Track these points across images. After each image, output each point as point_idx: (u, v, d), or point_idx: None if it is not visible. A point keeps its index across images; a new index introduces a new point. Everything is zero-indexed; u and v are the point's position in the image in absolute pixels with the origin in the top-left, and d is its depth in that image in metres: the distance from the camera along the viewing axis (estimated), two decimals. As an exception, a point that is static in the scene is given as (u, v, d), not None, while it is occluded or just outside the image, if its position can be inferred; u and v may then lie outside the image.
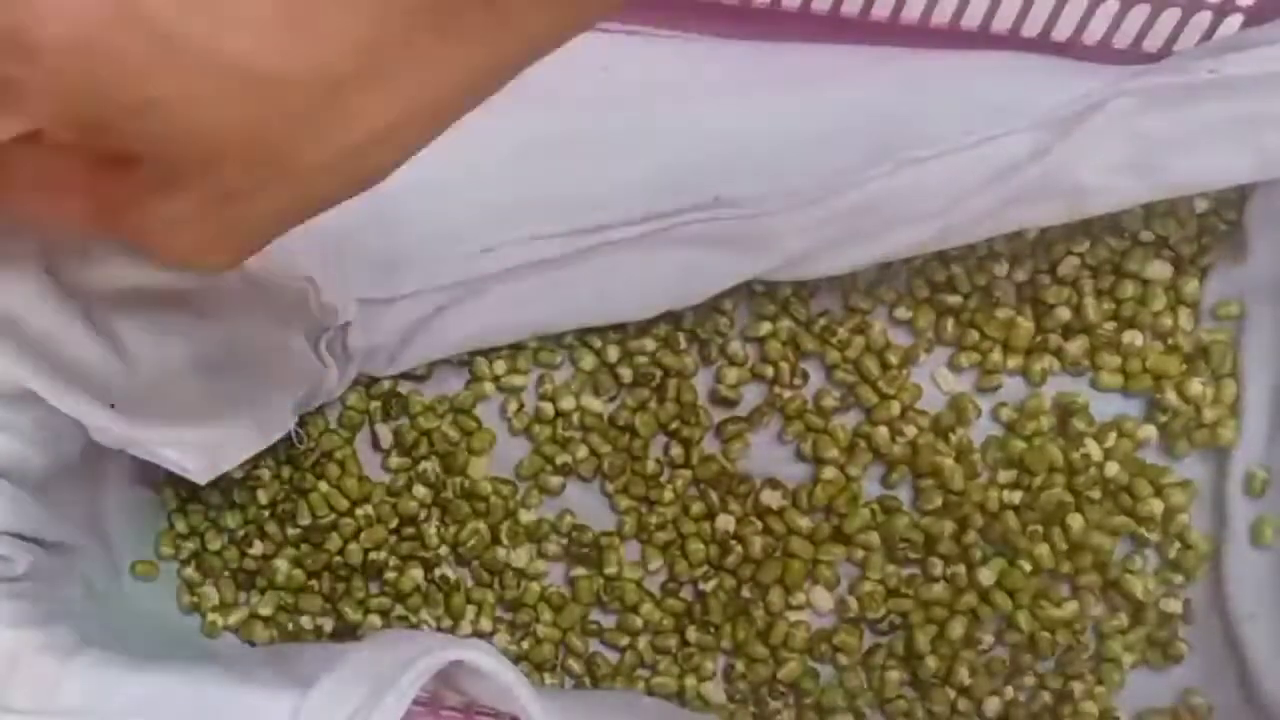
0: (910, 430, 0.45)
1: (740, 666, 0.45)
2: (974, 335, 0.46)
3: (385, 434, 0.46)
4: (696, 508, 0.45)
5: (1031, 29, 0.45)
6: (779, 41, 0.45)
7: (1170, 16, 0.44)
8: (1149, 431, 0.45)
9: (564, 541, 0.46)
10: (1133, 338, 0.45)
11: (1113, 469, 0.44)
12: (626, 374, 0.46)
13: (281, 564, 0.46)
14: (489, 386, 0.46)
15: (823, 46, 0.45)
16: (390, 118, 0.25)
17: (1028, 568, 0.44)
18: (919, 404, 0.46)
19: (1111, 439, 0.45)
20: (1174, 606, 0.44)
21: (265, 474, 0.46)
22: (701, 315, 0.46)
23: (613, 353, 0.46)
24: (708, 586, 0.45)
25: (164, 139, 0.24)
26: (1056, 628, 0.44)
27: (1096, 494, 0.44)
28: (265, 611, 0.46)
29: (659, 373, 0.46)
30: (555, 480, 0.46)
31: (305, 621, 0.46)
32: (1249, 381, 0.45)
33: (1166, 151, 0.40)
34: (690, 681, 0.45)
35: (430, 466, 0.46)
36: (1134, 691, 0.44)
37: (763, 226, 0.42)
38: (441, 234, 0.44)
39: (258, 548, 0.46)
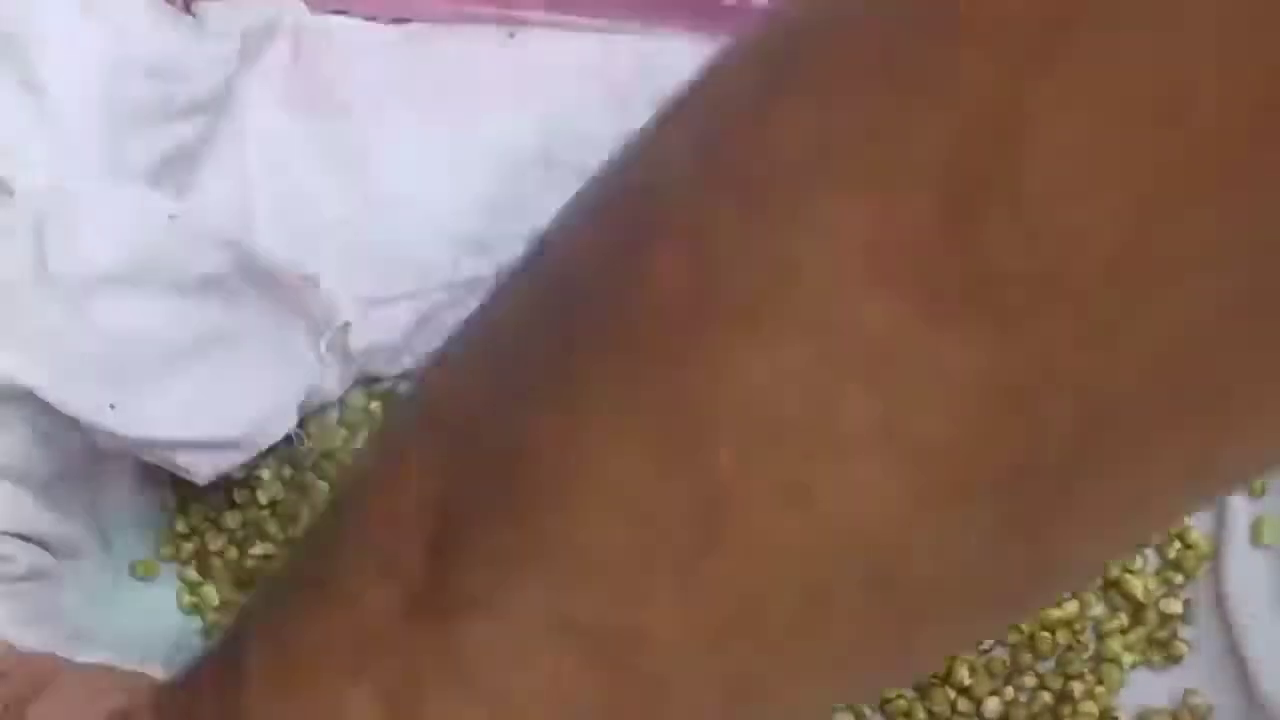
0: (910, 430, 0.45)
1: (740, 666, 0.45)
2: (974, 335, 0.46)
3: (385, 434, 0.46)
4: (697, 508, 0.45)
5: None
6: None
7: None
8: (1149, 431, 0.45)
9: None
10: (1133, 338, 0.45)
11: (1113, 469, 0.44)
12: (627, 374, 0.46)
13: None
14: (489, 386, 0.46)
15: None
16: None
17: (1028, 568, 0.44)
18: (919, 404, 0.45)
19: (1112, 439, 0.45)
20: (1174, 606, 0.44)
21: (265, 474, 0.46)
22: (702, 315, 0.46)
23: (613, 353, 0.46)
24: (708, 586, 0.45)
25: None
26: (1056, 628, 0.44)
27: (1097, 494, 0.44)
28: (265, 611, 0.46)
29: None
30: (555, 480, 0.46)
31: (305, 621, 0.46)
32: (1249, 381, 0.45)
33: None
34: (690, 681, 0.45)
35: (430, 466, 0.46)
36: (1134, 691, 0.44)
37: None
38: (442, 232, 0.44)
39: (258, 548, 0.46)
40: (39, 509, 0.37)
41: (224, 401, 0.39)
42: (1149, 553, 0.45)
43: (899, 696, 0.44)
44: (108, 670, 0.33)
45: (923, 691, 0.44)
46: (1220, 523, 0.44)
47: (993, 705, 0.44)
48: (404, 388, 0.46)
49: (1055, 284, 0.17)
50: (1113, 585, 0.44)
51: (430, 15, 0.47)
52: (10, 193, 0.38)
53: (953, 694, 0.44)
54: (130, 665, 0.33)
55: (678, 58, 0.45)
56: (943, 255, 0.17)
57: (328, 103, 0.45)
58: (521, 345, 0.22)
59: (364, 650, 0.22)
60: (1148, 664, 0.44)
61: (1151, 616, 0.44)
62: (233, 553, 0.46)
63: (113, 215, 0.39)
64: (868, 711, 0.45)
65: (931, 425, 0.18)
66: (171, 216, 0.39)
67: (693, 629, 0.20)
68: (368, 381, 0.46)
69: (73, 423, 0.35)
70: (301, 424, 0.45)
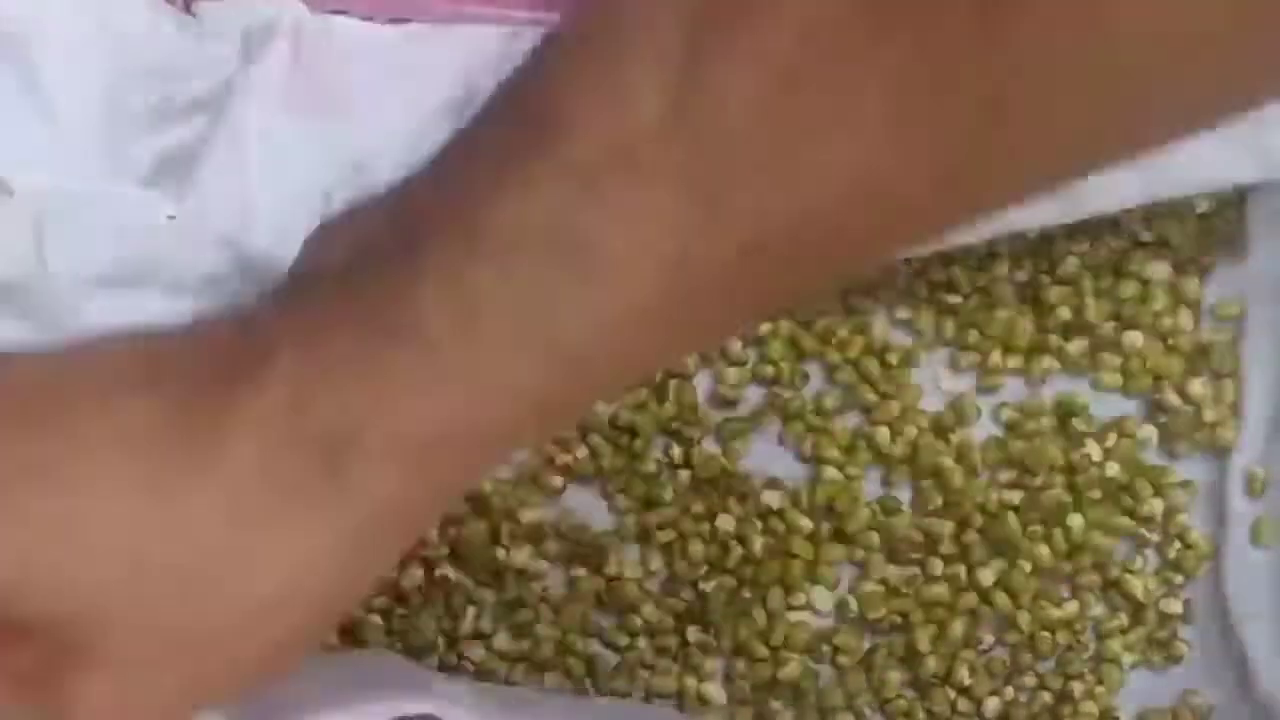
0: (910, 430, 0.45)
1: (741, 666, 0.45)
2: (974, 335, 0.46)
3: (385, 434, 0.46)
4: (696, 508, 0.45)
5: (1032, 29, 0.45)
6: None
7: (1171, 16, 0.44)
8: (1149, 432, 0.45)
9: (564, 542, 0.46)
10: (1133, 338, 0.45)
11: (1113, 469, 0.44)
12: (627, 374, 0.46)
13: (282, 564, 0.46)
14: (489, 386, 0.46)
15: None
16: (263, 594, 0.24)
17: (1028, 568, 0.44)
18: (919, 404, 0.46)
19: (1112, 439, 0.45)
20: (1174, 606, 0.44)
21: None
22: (702, 315, 0.46)
23: (613, 353, 0.46)
24: (708, 587, 0.45)
25: (53, 607, 0.23)
26: (1056, 628, 0.44)
27: (1097, 494, 0.44)
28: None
29: (659, 372, 0.46)
30: (555, 480, 0.46)
31: (305, 621, 0.46)
32: (1249, 381, 0.45)
33: (1166, 151, 0.40)
34: (690, 681, 0.45)
35: (430, 466, 0.46)
36: (1134, 691, 0.44)
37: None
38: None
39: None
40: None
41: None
42: (1149, 553, 0.45)
43: (898, 697, 0.44)
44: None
45: (923, 691, 0.44)
46: (1220, 523, 0.44)
47: (993, 705, 0.44)
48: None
49: None
50: (1113, 585, 0.44)
51: (430, 15, 0.47)
52: (10, 193, 0.38)
53: (953, 694, 0.44)
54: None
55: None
56: None
57: (328, 103, 0.45)
58: None
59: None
60: (1148, 664, 0.44)
61: (1151, 616, 0.44)
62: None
63: (113, 215, 0.39)
64: (868, 711, 0.45)
65: None
66: (171, 217, 0.39)
67: None
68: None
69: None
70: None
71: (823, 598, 0.45)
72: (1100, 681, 0.44)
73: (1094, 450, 0.45)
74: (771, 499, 0.45)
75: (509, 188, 0.23)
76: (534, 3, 0.46)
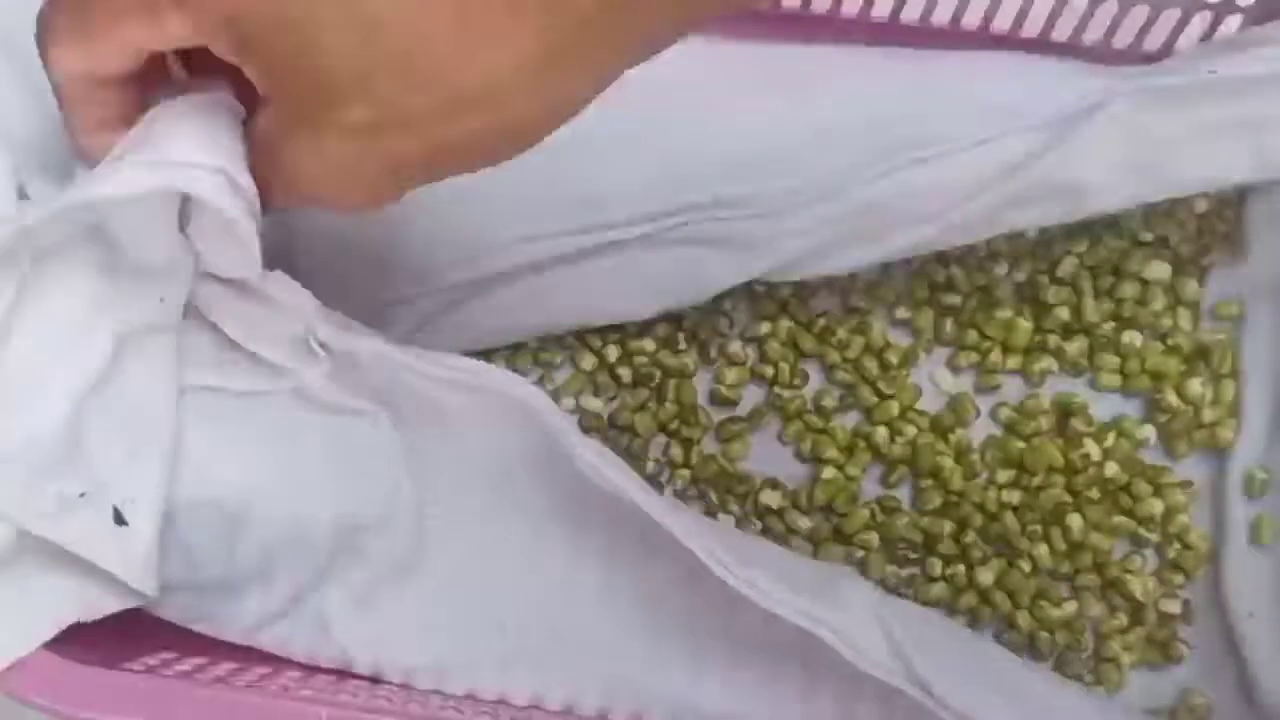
0: (910, 430, 0.45)
1: (740, 666, 0.45)
2: (973, 335, 0.46)
3: (385, 434, 0.46)
4: (696, 508, 0.45)
5: (1031, 29, 0.45)
6: (779, 42, 0.45)
7: (1170, 16, 0.44)
8: (1148, 431, 0.45)
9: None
10: (1132, 338, 0.45)
11: (1112, 469, 0.44)
12: (626, 374, 0.46)
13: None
14: (489, 386, 0.46)
15: (822, 47, 0.45)
16: (527, 59, 0.26)
17: (1027, 568, 0.44)
18: (919, 404, 0.46)
19: (1111, 439, 0.45)
20: (1173, 606, 0.44)
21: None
22: (701, 315, 0.46)
23: (613, 353, 0.46)
24: (707, 586, 0.45)
25: (311, 53, 0.26)
26: (1056, 628, 0.44)
27: (1096, 494, 0.44)
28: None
29: (659, 373, 0.46)
30: (555, 480, 0.46)
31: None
32: (1249, 381, 0.45)
33: (1166, 151, 0.40)
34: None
35: (430, 466, 0.46)
36: (1134, 691, 0.44)
37: (763, 226, 0.42)
38: (441, 236, 0.44)
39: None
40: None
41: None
42: (1149, 553, 0.45)
43: (898, 696, 0.44)
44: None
45: (922, 691, 0.44)
46: (1220, 523, 0.44)
47: (992, 705, 0.44)
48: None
49: None
50: (1112, 585, 0.44)
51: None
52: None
53: (952, 694, 0.44)
54: None
55: (677, 58, 0.45)
56: None
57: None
58: None
59: None
60: (1147, 664, 0.44)
61: (1151, 616, 0.44)
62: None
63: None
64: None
65: None
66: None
67: None
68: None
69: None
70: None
71: (822, 598, 0.45)
72: (1100, 681, 0.44)
73: (1093, 450, 0.45)
74: (771, 499, 0.45)
75: None
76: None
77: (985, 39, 0.45)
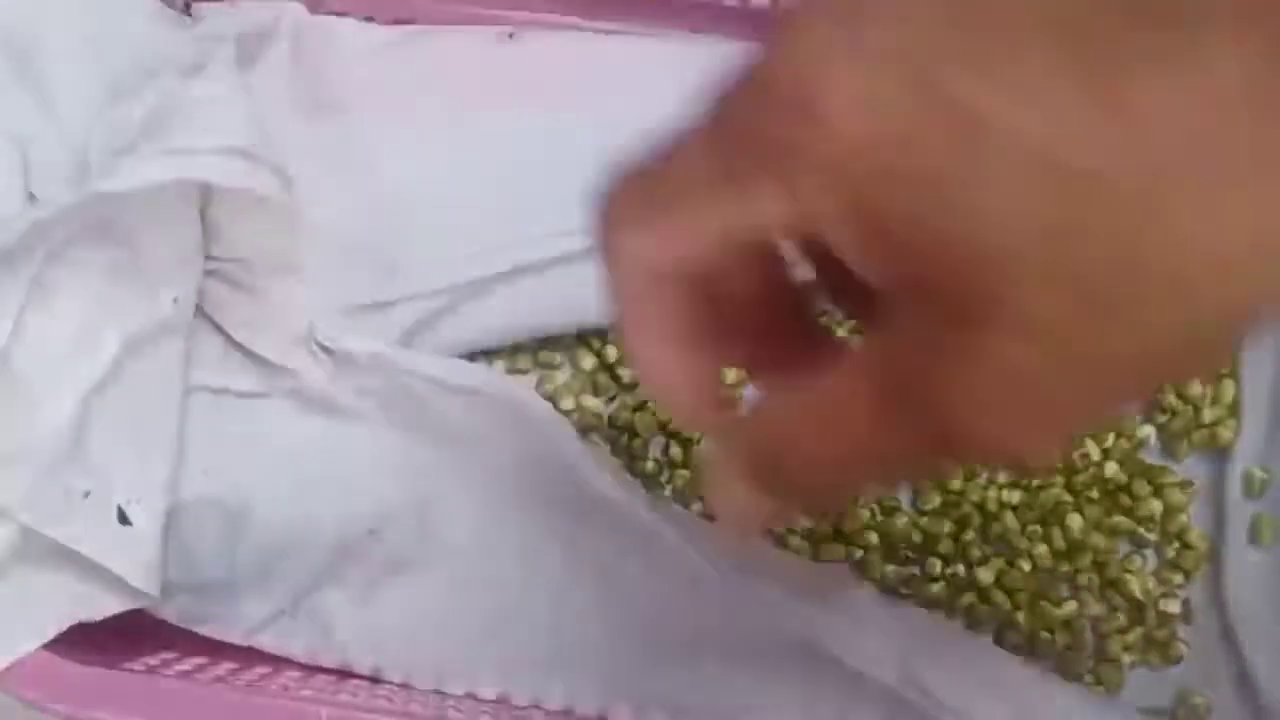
0: (910, 430, 0.45)
1: (740, 666, 0.45)
2: (973, 335, 0.46)
3: (385, 434, 0.46)
4: (697, 508, 0.45)
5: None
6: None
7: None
8: (1148, 431, 0.45)
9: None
10: (1132, 338, 0.45)
11: (1111, 469, 0.45)
12: (626, 374, 0.46)
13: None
14: (489, 386, 0.46)
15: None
16: (1228, 245, 0.18)
17: (1027, 567, 0.44)
18: (918, 404, 0.46)
19: (1110, 439, 0.45)
20: (1173, 606, 0.44)
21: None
22: (701, 315, 0.46)
23: (612, 353, 0.46)
24: (707, 586, 0.45)
25: (963, 254, 0.18)
26: (1056, 627, 0.44)
27: (1095, 494, 0.44)
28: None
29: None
30: (555, 480, 0.46)
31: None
32: (1248, 382, 0.45)
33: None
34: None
35: (430, 466, 0.46)
36: (1133, 691, 0.44)
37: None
38: (440, 236, 0.44)
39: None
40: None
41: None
42: (1148, 553, 0.45)
43: (898, 696, 0.44)
44: None
45: (922, 691, 0.44)
46: (1219, 523, 0.44)
47: (992, 705, 0.44)
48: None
49: None
50: (1112, 585, 0.44)
51: (430, 15, 0.47)
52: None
53: (952, 694, 0.44)
54: None
55: (678, 59, 0.45)
56: None
57: (328, 103, 0.45)
58: None
59: None
60: (1147, 664, 0.44)
61: (1150, 616, 0.44)
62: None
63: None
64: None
65: None
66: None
67: None
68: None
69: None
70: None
71: (822, 597, 0.45)
72: (1099, 681, 0.44)
73: (1093, 450, 0.45)
74: (771, 499, 0.45)
75: None
76: (534, 3, 0.46)
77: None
